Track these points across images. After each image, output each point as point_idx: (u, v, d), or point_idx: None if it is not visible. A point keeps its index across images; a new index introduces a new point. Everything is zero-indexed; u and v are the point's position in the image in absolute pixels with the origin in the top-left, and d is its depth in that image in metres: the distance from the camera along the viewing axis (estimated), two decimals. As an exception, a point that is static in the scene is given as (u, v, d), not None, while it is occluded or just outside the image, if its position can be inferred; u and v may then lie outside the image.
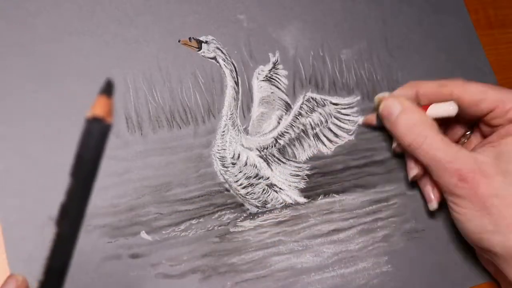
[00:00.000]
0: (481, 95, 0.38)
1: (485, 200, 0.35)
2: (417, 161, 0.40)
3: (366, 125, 0.44)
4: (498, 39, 0.52)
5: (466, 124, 0.43)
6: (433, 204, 0.41)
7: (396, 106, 0.40)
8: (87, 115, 0.21)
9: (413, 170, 0.41)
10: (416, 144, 0.38)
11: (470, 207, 0.36)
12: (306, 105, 0.44)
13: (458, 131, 0.43)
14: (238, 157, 0.41)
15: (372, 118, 0.44)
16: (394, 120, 0.40)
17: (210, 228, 0.39)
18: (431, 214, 0.43)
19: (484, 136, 0.41)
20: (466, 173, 0.35)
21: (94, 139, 0.20)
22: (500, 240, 0.35)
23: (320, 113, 0.44)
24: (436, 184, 0.39)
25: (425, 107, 0.40)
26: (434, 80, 0.41)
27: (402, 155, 0.43)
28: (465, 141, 0.43)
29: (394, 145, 0.42)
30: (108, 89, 0.21)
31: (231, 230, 0.39)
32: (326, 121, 0.44)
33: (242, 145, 0.42)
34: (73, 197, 0.21)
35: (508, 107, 0.38)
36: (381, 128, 0.43)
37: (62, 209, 0.21)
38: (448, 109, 0.39)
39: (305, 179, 0.42)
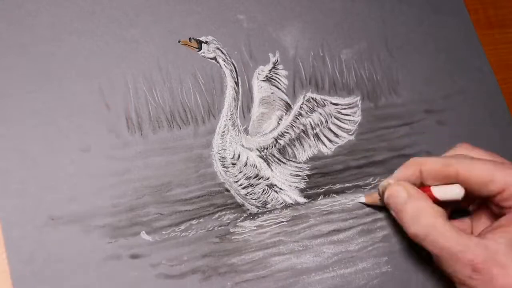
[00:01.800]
0: (488, 176, 0.36)
1: None
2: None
3: (370, 204, 0.43)
4: (498, 39, 0.52)
5: (474, 202, 0.41)
6: None
7: (402, 194, 0.38)
8: None
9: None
10: (424, 234, 0.36)
11: None
12: (306, 105, 0.44)
13: (465, 212, 0.41)
14: (238, 157, 0.41)
15: (375, 198, 0.42)
16: (400, 209, 0.38)
17: (210, 229, 0.39)
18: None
19: (494, 215, 0.39)
20: (479, 263, 0.33)
21: None
22: None
23: (320, 113, 0.44)
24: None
25: (427, 189, 0.38)
26: (438, 156, 0.40)
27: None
28: (473, 219, 0.41)
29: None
30: None
31: (231, 230, 0.39)
32: (326, 121, 0.44)
33: (242, 146, 0.42)
34: None
35: None
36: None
37: None
38: (454, 193, 0.37)
39: (305, 179, 0.42)
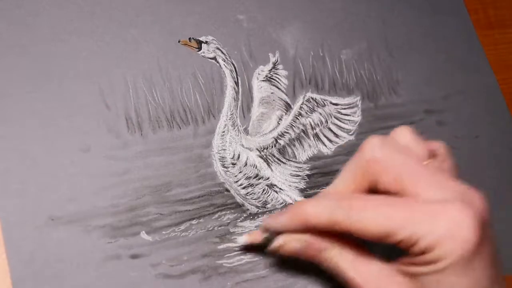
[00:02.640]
0: (385, 231, 0.30)
1: None
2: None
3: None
4: (498, 39, 0.52)
5: None
6: None
7: (295, 246, 0.34)
8: None
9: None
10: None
11: None
12: (306, 105, 0.44)
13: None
14: (238, 157, 0.41)
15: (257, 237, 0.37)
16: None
17: (210, 229, 0.39)
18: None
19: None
20: None
21: None
22: None
23: (320, 113, 0.44)
24: None
25: None
26: (320, 199, 0.33)
27: None
28: None
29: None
30: None
31: (231, 230, 0.39)
32: (326, 121, 0.44)
33: (242, 145, 0.42)
34: None
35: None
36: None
37: None
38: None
39: (305, 179, 0.42)
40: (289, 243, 0.34)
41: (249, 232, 0.38)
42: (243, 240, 0.38)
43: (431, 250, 0.29)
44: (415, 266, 0.31)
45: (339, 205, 0.31)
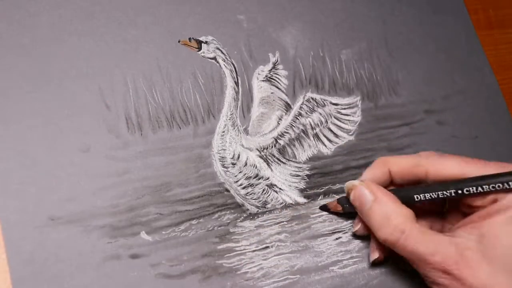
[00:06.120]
0: (458, 174, 0.36)
1: None
2: (381, 244, 0.37)
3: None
4: (498, 39, 0.52)
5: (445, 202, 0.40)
6: (375, 255, 0.39)
7: (367, 196, 0.37)
8: None
9: (375, 254, 0.39)
10: (393, 239, 0.35)
11: None
12: (306, 105, 0.44)
13: (436, 207, 0.40)
14: (238, 157, 0.41)
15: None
16: (367, 211, 0.37)
17: (210, 228, 0.39)
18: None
19: (464, 213, 0.37)
20: (449, 265, 0.33)
21: None
22: None
23: (320, 113, 0.44)
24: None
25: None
26: (406, 155, 0.39)
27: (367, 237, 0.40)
28: (444, 216, 0.40)
29: (356, 228, 0.40)
30: None
31: (231, 230, 0.39)
32: (326, 121, 0.44)
33: (242, 145, 0.42)
34: None
35: None
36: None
37: None
38: None
39: (305, 179, 0.42)
40: (363, 195, 0.37)
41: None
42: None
43: (500, 200, 0.34)
44: (482, 220, 0.34)
45: (420, 155, 0.38)
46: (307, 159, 0.43)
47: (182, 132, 0.41)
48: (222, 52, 0.43)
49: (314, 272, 0.39)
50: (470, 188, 0.35)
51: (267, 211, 0.41)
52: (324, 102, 0.44)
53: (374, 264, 0.40)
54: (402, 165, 0.38)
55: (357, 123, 0.45)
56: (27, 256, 0.35)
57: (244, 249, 0.39)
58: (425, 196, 0.36)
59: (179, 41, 0.43)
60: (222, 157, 0.41)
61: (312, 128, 0.44)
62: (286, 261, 0.39)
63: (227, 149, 0.41)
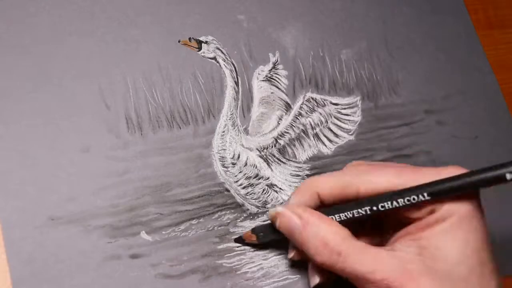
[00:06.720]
0: (391, 188, 0.33)
1: None
2: (320, 268, 0.35)
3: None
4: (498, 39, 0.52)
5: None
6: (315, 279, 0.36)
7: (295, 221, 0.34)
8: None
9: (315, 279, 0.36)
10: (330, 263, 0.33)
11: None
12: (306, 105, 0.44)
13: (375, 220, 0.37)
14: (238, 157, 0.41)
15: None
16: (298, 237, 0.34)
17: (210, 228, 0.39)
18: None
19: (401, 223, 0.35)
20: (393, 282, 0.31)
21: None
22: None
23: (320, 113, 0.44)
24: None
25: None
26: (331, 174, 0.36)
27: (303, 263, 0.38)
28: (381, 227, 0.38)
29: (291, 254, 0.37)
30: None
31: (231, 230, 0.39)
32: (326, 121, 0.44)
33: (242, 145, 0.42)
34: None
35: None
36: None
37: None
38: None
39: (305, 179, 0.42)
40: (289, 221, 0.35)
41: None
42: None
43: (437, 210, 0.32)
44: (420, 231, 0.33)
45: (345, 172, 0.36)
46: (307, 159, 0.43)
47: (182, 132, 0.41)
48: (222, 52, 0.43)
49: (314, 272, 0.39)
50: (385, 204, 0.33)
51: (267, 211, 0.41)
52: (324, 102, 0.44)
53: None
54: (331, 186, 0.35)
55: (357, 123, 0.45)
56: (27, 256, 0.35)
57: (244, 249, 0.39)
58: (340, 216, 0.34)
59: (179, 41, 0.43)
60: (222, 157, 0.41)
61: (312, 128, 0.44)
62: (286, 261, 0.39)
63: (227, 149, 0.41)
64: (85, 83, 0.40)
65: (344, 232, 0.34)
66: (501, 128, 0.48)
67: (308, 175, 0.42)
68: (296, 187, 0.42)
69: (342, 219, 0.34)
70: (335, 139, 0.44)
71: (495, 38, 0.52)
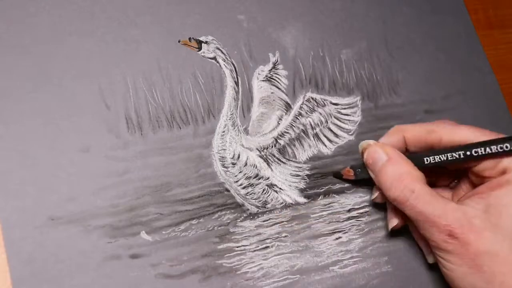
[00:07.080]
0: (474, 140, 0.36)
1: (476, 258, 0.33)
2: (398, 211, 0.38)
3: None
4: (498, 39, 0.52)
5: (455, 172, 0.40)
6: (432, 258, 0.39)
7: (381, 155, 0.37)
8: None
9: (393, 221, 0.39)
10: (402, 198, 0.36)
11: (461, 264, 0.34)
12: (306, 105, 0.44)
13: (446, 179, 0.41)
14: (238, 157, 0.41)
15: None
16: (378, 170, 0.37)
17: (210, 228, 0.39)
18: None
19: (473, 185, 0.38)
20: (455, 229, 0.34)
21: None
22: None
23: (320, 113, 0.44)
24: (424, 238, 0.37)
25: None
26: (421, 122, 0.40)
27: (383, 205, 0.41)
28: (453, 188, 0.41)
29: (375, 195, 0.40)
30: None
31: (231, 230, 0.39)
32: (326, 121, 0.44)
33: (242, 145, 0.42)
34: None
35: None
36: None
37: None
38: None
39: (305, 179, 0.42)
40: (376, 153, 0.38)
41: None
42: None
43: (509, 171, 0.35)
44: (490, 190, 0.35)
45: (434, 123, 0.39)
46: (307, 159, 0.43)
47: (182, 132, 0.41)
48: (222, 52, 0.43)
49: (314, 272, 0.39)
50: (479, 149, 0.35)
51: (267, 211, 0.41)
52: (324, 102, 0.44)
53: (392, 232, 0.40)
54: (417, 132, 0.38)
55: (357, 123, 0.45)
56: (27, 256, 0.35)
57: (244, 249, 0.39)
58: (434, 158, 0.37)
59: (179, 41, 0.43)
60: (222, 157, 0.41)
61: (312, 128, 0.44)
62: (286, 261, 0.39)
63: (227, 149, 0.41)
64: (85, 83, 0.40)
65: (421, 175, 0.36)
66: (501, 128, 0.48)
67: (308, 175, 0.42)
68: (296, 187, 0.42)
69: (436, 161, 0.37)
70: (335, 139, 0.44)
71: (495, 38, 0.52)
